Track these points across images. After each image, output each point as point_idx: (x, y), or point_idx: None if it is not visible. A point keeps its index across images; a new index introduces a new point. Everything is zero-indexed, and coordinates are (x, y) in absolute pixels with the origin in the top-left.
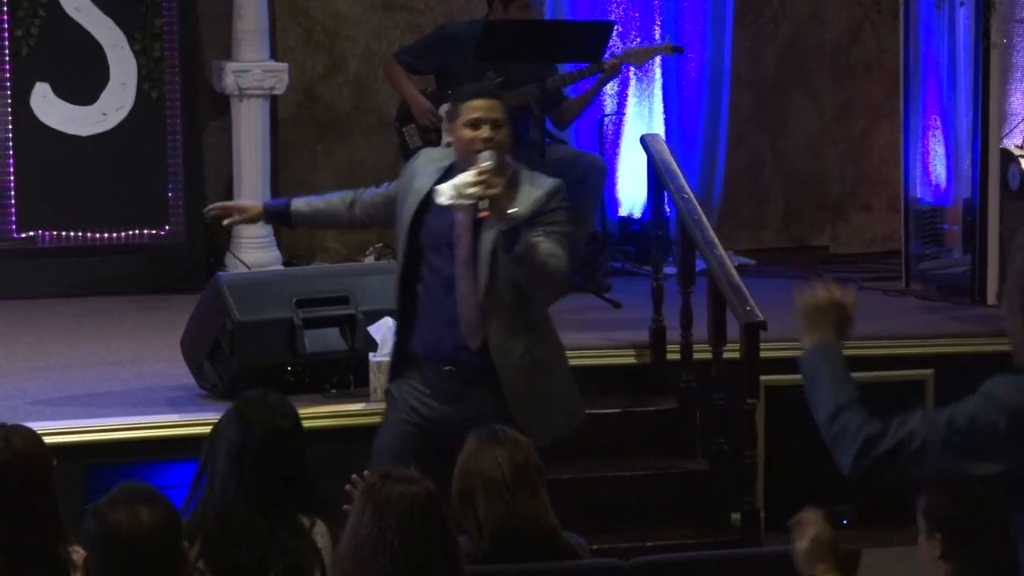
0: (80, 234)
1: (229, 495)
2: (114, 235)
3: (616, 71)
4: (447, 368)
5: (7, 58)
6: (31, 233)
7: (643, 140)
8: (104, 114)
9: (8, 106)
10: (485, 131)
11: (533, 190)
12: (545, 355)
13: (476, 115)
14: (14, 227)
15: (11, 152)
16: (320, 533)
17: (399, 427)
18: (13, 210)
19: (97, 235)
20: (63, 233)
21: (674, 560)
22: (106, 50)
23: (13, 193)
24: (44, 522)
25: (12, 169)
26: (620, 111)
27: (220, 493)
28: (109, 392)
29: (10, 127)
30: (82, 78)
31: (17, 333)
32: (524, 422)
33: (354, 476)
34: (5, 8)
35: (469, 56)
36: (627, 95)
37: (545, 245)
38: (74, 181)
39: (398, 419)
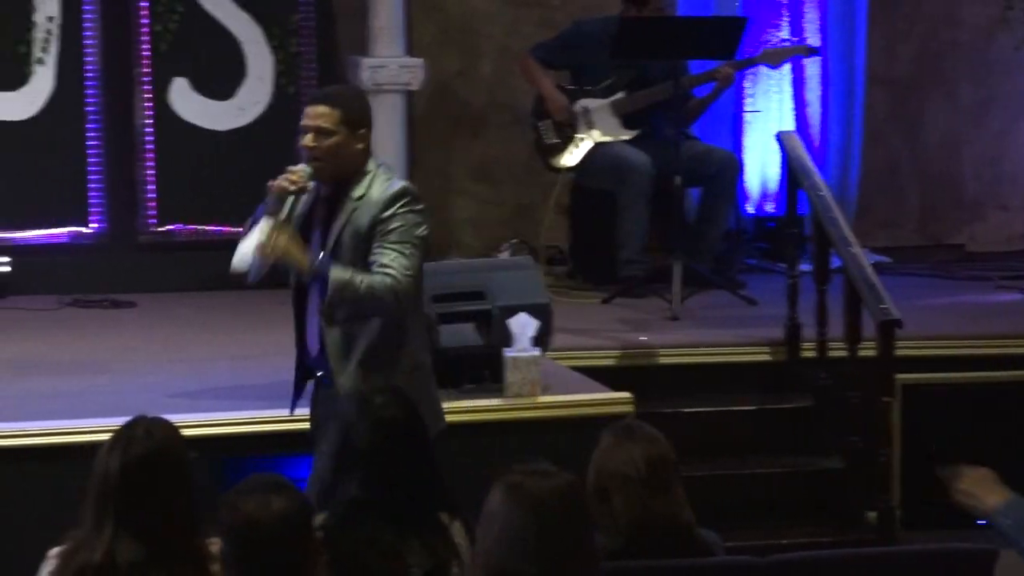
0: (216, 228)
1: (351, 492)
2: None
3: (731, 80)
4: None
5: (147, 53)
6: (169, 227)
7: (779, 137)
8: (241, 109)
9: (148, 101)
10: (308, 139)
11: (374, 197)
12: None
13: (304, 122)
14: (154, 221)
15: (151, 146)
16: (457, 530)
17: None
18: (152, 204)
19: (232, 229)
20: (199, 227)
21: (810, 558)
22: (243, 46)
23: (153, 187)
24: (182, 514)
25: (152, 163)
26: (752, 108)
27: (342, 490)
28: (243, 385)
29: (150, 121)
30: (220, 73)
31: (154, 326)
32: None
33: None
34: (145, 4)
35: (604, 53)
36: (758, 92)
37: (362, 277)
38: (210, 176)
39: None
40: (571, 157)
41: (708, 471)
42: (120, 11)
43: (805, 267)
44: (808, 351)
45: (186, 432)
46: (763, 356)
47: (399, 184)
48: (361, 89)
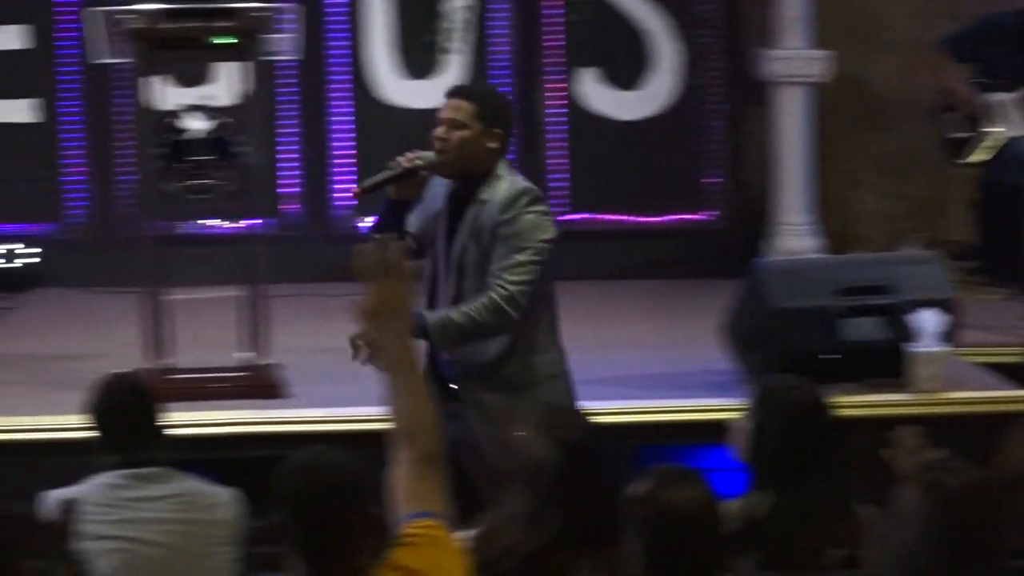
0: (625, 217)
1: (773, 481)
2: (656, 219)
3: None
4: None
5: (557, 44)
6: (580, 216)
7: None
8: (648, 100)
9: (562, 91)
10: (440, 130)
11: (497, 199)
12: (523, 373)
13: (439, 113)
14: (567, 209)
15: (565, 136)
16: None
17: None
18: (564, 194)
19: (640, 219)
20: (609, 217)
21: None
22: (652, 37)
23: (563, 177)
24: (611, 498)
25: (566, 152)
26: None
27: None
28: (651, 374)
29: (563, 111)
30: (628, 64)
31: (566, 314)
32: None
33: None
34: None
35: (1013, 46)
36: None
37: (459, 312)
38: (620, 165)
39: None
40: (978, 152)
41: None
42: (531, 2)
43: None
44: None
45: (599, 419)
46: None
47: (521, 185)
48: (502, 92)
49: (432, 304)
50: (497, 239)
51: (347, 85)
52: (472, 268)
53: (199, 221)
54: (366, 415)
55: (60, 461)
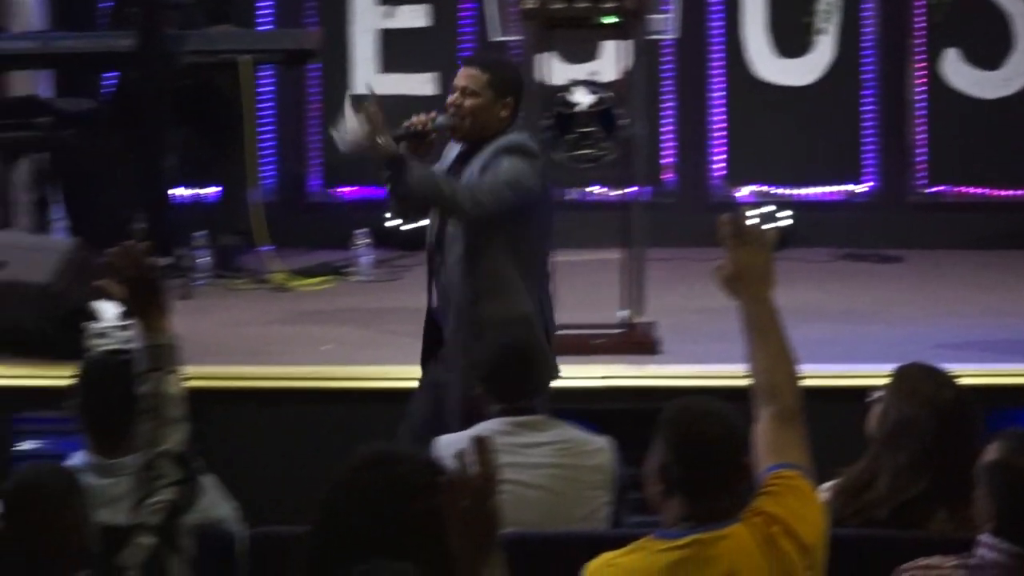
0: (983, 191)
1: None
2: (1014, 192)
3: None
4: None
5: (922, 25)
6: (939, 188)
7: None
8: (1007, 79)
9: (920, 70)
10: (454, 97)
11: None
12: (498, 312)
13: (454, 81)
14: (923, 182)
15: (922, 113)
16: None
17: None
18: (923, 167)
19: (996, 192)
20: (966, 189)
21: None
22: (1013, 20)
23: (923, 151)
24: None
25: (923, 129)
26: None
27: None
28: (1004, 340)
29: (922, 89)
30: (988, 45)
31: (922, 281)
32: (464, 376)
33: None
34: None
35: None
36: None
37: (441, 177)
38: (978, 142)
39: None
40: None
41: None
42: None
43: None
44: None
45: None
46: None
47: (521, 138)
48: (514, 63)
49: (434, 259)
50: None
51: (723, 63)
52: (452, 229)
53: (584, 188)
54: (733, 372)
55: None
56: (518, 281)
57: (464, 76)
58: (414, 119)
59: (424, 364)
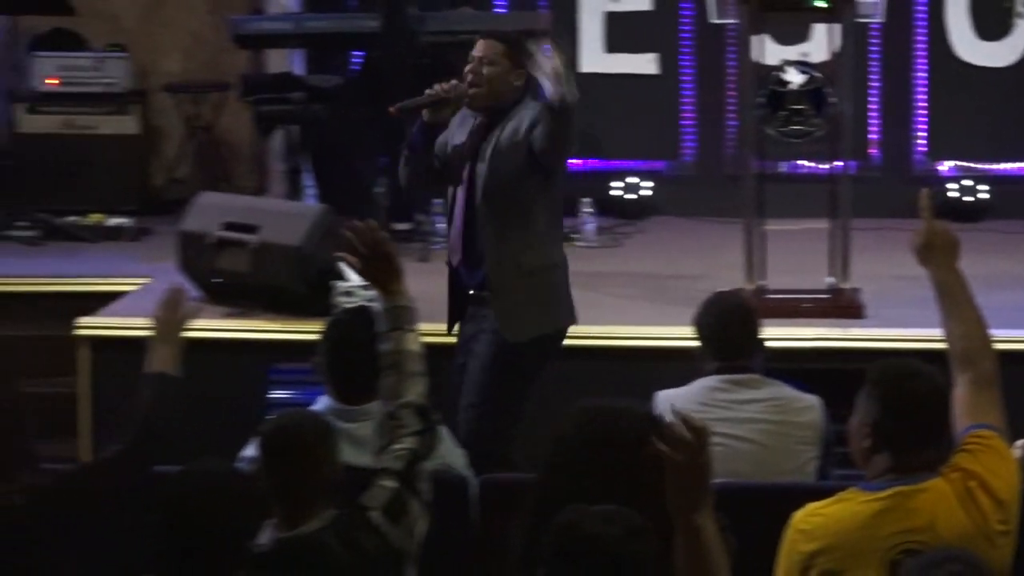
0: None
1: None
2: None
3: None
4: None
5: None
6: None
7: None
8: None
9: None
10: (472, 66)
11: (531, 107)
12: (534, 260)
13: (472, 52)
14: None
15: None
16: None
17: None
18: None
19: None
20: None
21: None
22: None
23: None
24: None
25: None
26: None
27: None
28: None
29: None
30: None
31: None
32: (500, 318)
33: None
34: None
35: None
36: None
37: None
38: None
39: None
40: None
41: None
42: None
43: None
44: None
45: None
46: None
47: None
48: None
49: (451, 222)
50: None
51: (926, 45)
52: (494, 183)
53: (794, 161)
54: (933, 336)
55: (671, 366)
56: (552, 231)
57: (482, 47)
58: (436, 88)
59: (451, 325)
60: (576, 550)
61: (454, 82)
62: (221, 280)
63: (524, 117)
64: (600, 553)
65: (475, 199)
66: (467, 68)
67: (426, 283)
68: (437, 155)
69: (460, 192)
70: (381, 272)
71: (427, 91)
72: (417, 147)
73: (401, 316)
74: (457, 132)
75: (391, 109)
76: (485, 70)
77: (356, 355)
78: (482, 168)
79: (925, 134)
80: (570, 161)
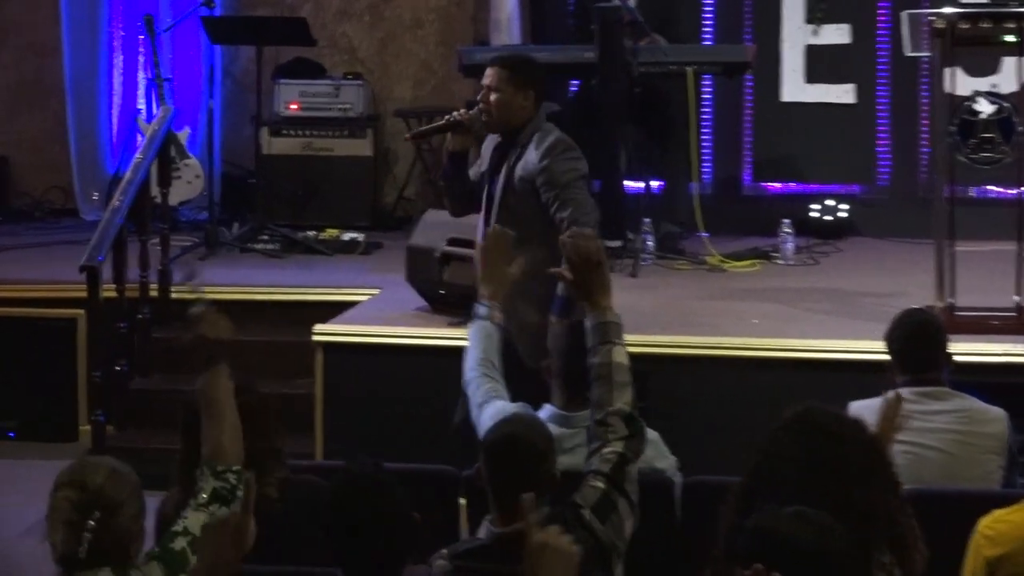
0: None
1: None
2: None
3: None
4: None
5: None
6: None
7: None
8: None
9: None
10: (481, 95)
11: (536, 148)
12: (539, 288)
13: (482, 80)
14: None
15: None
16: None
17: None
18: None
19: None
20: None
21: None
22: None
23: None
24: None
25: None
26: None
27: None
28: None
29: None
30: None
31: None
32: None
33: None
34: None
35: None
36: None
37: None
38: None
39: None
40: None
41: None
42: None
43: None
44: None
45: None
46: None
47: (553, 137)
48: (532, 58)
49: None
50: (542, 186)
51: None
52: (507, 204)
53: (983, 186)
54: None
55: (864, 378)
56: (552, 262)
57: (489, 75)
58: (453, 114)
59: None
60: (771, 550)
61: (465, 110)
62: (445, 292)
63: (531, 153)
64: (795, 552)
65: (491, 219)
66: (479, 96)
67: (636, 297)
68: (472, 180)
69: (486, 208)
70: (591, 282)
71: (446, 116)
72: (448, 173)
73: (610, 331)
74: (487, 156)
75: (406, 136)
76: (492, 96)
77: (577, 366)
78: (497, 189)
79: None
80: (770, 184)
